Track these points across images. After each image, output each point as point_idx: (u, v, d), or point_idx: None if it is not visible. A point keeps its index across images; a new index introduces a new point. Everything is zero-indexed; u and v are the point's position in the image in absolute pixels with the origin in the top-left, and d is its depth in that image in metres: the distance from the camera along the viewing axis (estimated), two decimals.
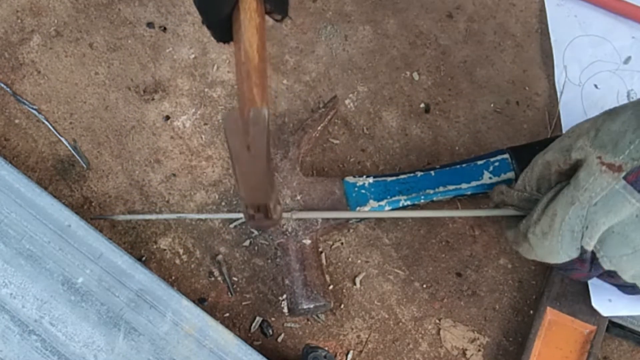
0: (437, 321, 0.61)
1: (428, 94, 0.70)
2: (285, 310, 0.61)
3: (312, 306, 0.57)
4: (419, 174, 0.62)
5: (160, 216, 0.63)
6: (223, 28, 0.48)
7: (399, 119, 0.69)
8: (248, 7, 0.46)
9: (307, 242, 0.60)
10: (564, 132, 0.61)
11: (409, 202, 0.61)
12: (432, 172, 0.62)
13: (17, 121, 0.67)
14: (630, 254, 0.46)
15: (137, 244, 0.63)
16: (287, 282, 0.59)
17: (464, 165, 0.62)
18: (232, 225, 0.64)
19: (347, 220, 0.61)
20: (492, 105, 0.69)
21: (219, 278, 0.62)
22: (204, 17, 0.48)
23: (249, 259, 0.63)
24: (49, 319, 0.55)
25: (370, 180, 0.62)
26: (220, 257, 0.63)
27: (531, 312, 0.62)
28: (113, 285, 0.56)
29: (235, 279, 0.62)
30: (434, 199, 0.62)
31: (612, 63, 0.69)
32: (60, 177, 0.65)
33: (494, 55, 0.71)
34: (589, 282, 0.57)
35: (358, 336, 0.61)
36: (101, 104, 0.68)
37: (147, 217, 0.63)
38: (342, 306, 0.62)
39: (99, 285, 0.56)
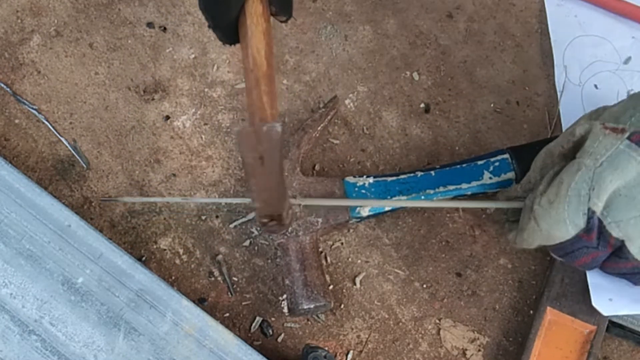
0: (437, 321, 0.61)
1: (428, 94, 0.70)
2: (285, 310, 0.61)
3: (312, 306, 0.57)
4: (419, 174, 0.62)
5: (167, 199, 0.64)
6: (229, 31, 0.48)
7: (399, 119, 0.69)
8: (254, 11, 0.46)
9: (307, 242, 0.60)
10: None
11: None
12: (432, 172, 0.62)
13: (17, 121, 0.67)
14: (638, 216, 0.46)
15: (137, 244, 0.63)
16: (287, 282, 0.59)
17: (464, 165, 0.62)
18: (232, 225, 0.64)
19: (347, 220, 0.61)
20: (492, 105, 0.69)
21: (219, 278, 0.62)
22: (209, 21, 0.48)
23: (249, 259, 0.63)
24: (49, 319, 0.55)
25: (371, 180, 0.62)
26: (220, 257, 0.63)
27: (531, 312, 0.62)
28: (113, 285, 0.56)
29: (235, 279, 0.62)
30: (434, 199, 0.62)
31: (612, 63, 0.70)
32: (60, 177, 0.65)
33: (494, 55, 0.71)
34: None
35: (358, 336, 0.61)
36: (101, 104, 0.68)
37: (153, 199, 0.64)
38: (342, 306, 0.62)
39: (99, 285, 0.56)
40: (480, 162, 0.62)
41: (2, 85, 0.68)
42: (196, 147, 0.67)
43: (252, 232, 0.64)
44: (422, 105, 0.69)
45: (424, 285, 0.63)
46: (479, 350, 0.61)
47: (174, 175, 0.66)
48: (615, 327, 0.58)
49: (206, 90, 0.69)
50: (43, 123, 0.67)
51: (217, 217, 0.64)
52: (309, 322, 0.61)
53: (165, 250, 0.63)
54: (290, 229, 0.59)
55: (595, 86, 0.69)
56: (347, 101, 0.69)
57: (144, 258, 0.63)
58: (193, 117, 0.68)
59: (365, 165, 0.67)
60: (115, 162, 0.66)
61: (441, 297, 0.62)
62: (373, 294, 0.62)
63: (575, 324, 0.58)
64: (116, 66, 0.70)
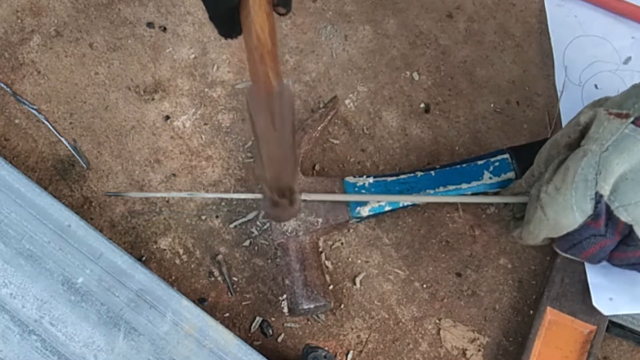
0: (437, 321, 0.61)
1: (428, 94, 0.70)
2: (285, 310, 0.61)
3: (312, 306, 0.57)
4: (419, 174, 0.62)
5: (172, 194, 0.64)
6: (229, 21, 0.47)
7: (399, 119, 0.69)
8: None
9: (307, 242, 0.60)
10: None
11: (409, 202, 0.61)
12: (432, 172, 0.62)
13: (17, 121, 0.67)
14: None
15: (137, 244, 0.63)
16: (287, 282, 0.59)
17: (464, 165, 0.62)
18: (232, 225, 0.64)
19: (347, 220, 0.61)
20: (492, 105, 0.69)
21: (219, 278, 0.62)
22: (210, 10, 0.47)
23: (249, 259, 0.63)
24: (49, 319, 0.55)
25: (371, 180, 0.62)
26: (220, 257, 0.63)
27: (531, 312, 0.62)
28: (113, 285, 0.56)
29: (235, 279, 0.62)
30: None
31: (612, 63, 0.70)
32: (60, 177, 0.65)
33: (494, 55, 0.71)
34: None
35: (358, 336, 0.61)
36: (101, 104, 0.68)
37: (159, 195, 0.64)
38: (342, 306, 0.62)
39: (99, 285, 0.56)
40: (480, 162, 0.62)
41: (2, 85, 0.68)
42: (196, 147, 0.67)
43: (252, 232, 0.64)
44: (422, 105, 0.69)
45: (424, 285, 0.63)
46: (479, 350, 0.61)
47: (174, 175, 0.66)
48: (615, 327, 0.58)
49: (206, 90, 0.69)
50: (43, 123, 0.67)
51: (217, 217, 0.64)
52: (309, 322, 0.61)
53: (165, 250, 0.63)
54: (290, 229, 0.59)
55: (595, 86, 0.69)
56: (347, 101, 0.69)
57: (144, 258, 0.63)
58: (193, 117, 0.68)
59: (365, 165, 0.67)
60: (115, 162, 0.66)
61: (441, 297, 0.62)
62: (373, 294, 0.62)
63: (575, 324, 0.58)
64: (116, 66, 0.70)
